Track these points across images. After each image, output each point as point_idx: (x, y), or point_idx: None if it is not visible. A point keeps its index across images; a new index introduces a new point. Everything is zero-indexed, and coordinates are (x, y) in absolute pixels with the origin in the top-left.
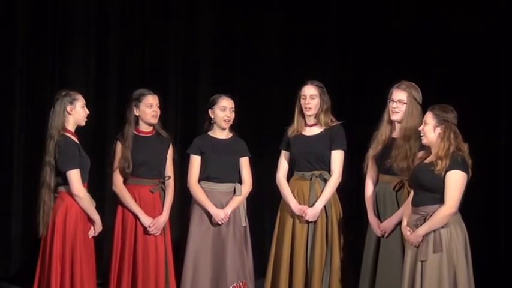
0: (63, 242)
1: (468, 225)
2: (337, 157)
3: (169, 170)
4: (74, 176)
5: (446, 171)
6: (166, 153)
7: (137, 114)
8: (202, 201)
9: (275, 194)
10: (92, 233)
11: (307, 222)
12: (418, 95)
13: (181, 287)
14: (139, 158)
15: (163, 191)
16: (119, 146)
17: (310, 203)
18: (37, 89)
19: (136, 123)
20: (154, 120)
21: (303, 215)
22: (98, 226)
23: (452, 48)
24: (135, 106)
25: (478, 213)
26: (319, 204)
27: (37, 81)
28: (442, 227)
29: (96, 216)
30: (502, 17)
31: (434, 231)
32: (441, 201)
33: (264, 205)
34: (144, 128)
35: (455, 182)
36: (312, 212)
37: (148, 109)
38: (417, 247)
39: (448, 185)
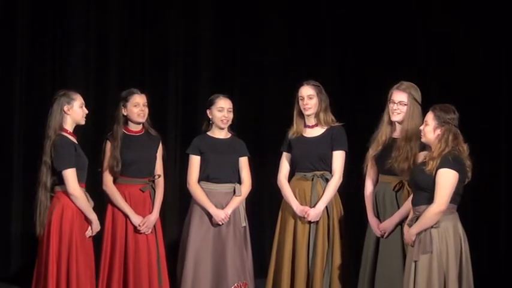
0: (59, 242)
1: (468, 226)
2: (338, 158)
3: (159, 168)
4: (70, 175)
5: (436, 170)
6: (156, 152)
7: (125, 113)
8: (202, 202)
9: (275, 195)
10: (90, 233)
11: (309, 222)
12: (418, 94)
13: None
14: (128, 157)
15: (154, 189)
16: (108, 146)
17: (312, 203)
18: (37, 89)
19: (126, 122)
20: (141, 119)
21: (305, 216)
22: (95, 226)
23: (452, 48)
24: (122, 106)
25: (478, 213)
26: (322, 205)
27: (37, 81)
28: (433, 227)
29: (93, 216)
30: (502, 17)
31: (425, 230)
32: (432, 200)
33: (264, 205)
34: (133, 127)
35: (445, 180)
36: (314, 213)
37: (135, 108)
38: (413, 246)
39: (437, 183)
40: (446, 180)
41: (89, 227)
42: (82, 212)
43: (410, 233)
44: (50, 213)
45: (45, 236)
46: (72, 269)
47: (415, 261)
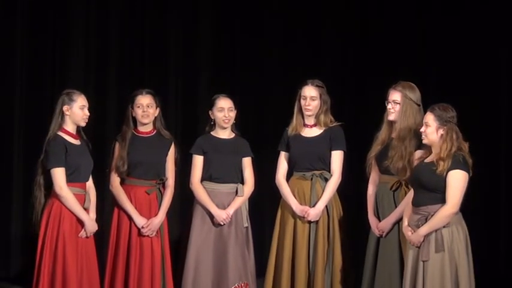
0: (43, 241)
1: (468, 225)
2: (337, 157)
3: (169, 171)
4: (57, 174)
5: (448, 171)
6: (166, 154)
7: (133, 114)
8: (205, 202)
9: (275, 195)
10: (84, 233)
11: (309, 222)
12: (414, 94)
13: None
14: (135, 158)
15: (161, 192)
16: (117, 146)
17: (312, 202)
18: (37, 89)
19: (136, 123)
20: (145, 120)
21: (305, 215)
22: (89, 226)
23: (452, 48)
24: (130, 107)
25: (478, 213)
26: (321, 204)
27: (37, 81)
28: (444, 227)
29: (84, 217)
30: (502, 16)
31: (435, 231)
32: (443, 200)
33: (264, 205)
34: (142, 128)
35: (457, 181)
36: (314, 212)
37: (139, 109)
38: (418, 247)
39: (449, 185)
40: (458, 182)
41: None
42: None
43: (418, 234)
44: (42, 212)
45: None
46: (57, 268)
47: (424, 261)
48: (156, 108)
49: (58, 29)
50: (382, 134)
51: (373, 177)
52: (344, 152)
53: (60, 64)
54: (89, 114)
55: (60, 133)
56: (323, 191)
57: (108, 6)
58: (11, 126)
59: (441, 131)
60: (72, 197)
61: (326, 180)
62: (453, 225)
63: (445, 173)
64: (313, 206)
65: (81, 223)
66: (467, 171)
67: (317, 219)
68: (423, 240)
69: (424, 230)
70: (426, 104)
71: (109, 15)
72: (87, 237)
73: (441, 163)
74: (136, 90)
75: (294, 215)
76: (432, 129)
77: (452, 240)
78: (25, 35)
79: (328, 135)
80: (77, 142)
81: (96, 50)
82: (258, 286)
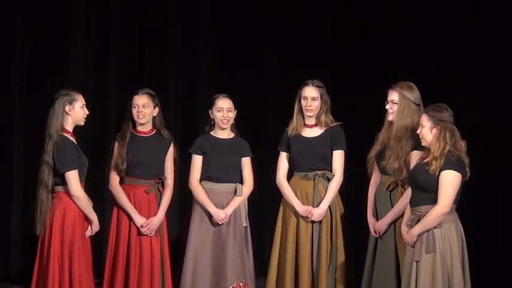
0: (61, 242)
1: (467, 226)
2: (338, 157)
3: (168, 170)
4: (73, 176)
5: (440, 171)
6: (165, 154)
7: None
8: (203, 201)
9: (275, 195)
10: (89, 232)
11: (312, 222)
12: (413, 94)
13: (180, 287)
14: (134, 157)
15: (160, 192)
16: (116, 145)
17: (315, 202)
18: (37, 89)
19: (135, 123)
20: (141, 121)
21: (309, 216)
22: (95, 226)
23: (452, 48)
24: (130, 107)
25: (478, 213)
26: (325, 204)
27: (37, 81)
28: (436, 227)
29: (94, 217)
30: (501, 16)
31: (427, 231)
32: (435, 201)
33: (264, 205)
34: (140, 127)
35: (449, 181)
36: (318, 212)
37: (134, 110)
38: (413, 247)
39: (441, 185)
40: (450, 182)
41: (89, 227)
42: (83, 212)
43: (412, 233)
44: (52, 213)
45: (46, 236)
46: (75, 269)
47: (417, 262)
48: (155, 108)
49: (58, 29)
50: (383, 134)
51: (375, 178)
52: (345, 151)
53: (60, 64)
54: (88, 112)
55: (66, 134)
56: (326, 190)
57: (108, 6)
58: (11, 126)
59: (435, 131)
60: (86, 198)
61: (328, 180)
62: (446, 225)
63: (437, 173)
64: (317, 206)
65: (87, 222)
66: (460, 171)
67: (321, 219)
68: (416, 240)
69: (416, 230)
70: (426, 104)
71: (109, 15)
72: (89, 236)
73: (434, 162)
74: (136, 90)
75: (296, 214)
76: (427, 130)
77: (445, 240)
78: (25, 35)
79: (329, 135)
80: (76, 142)
81: (96, 50)
82: (257, 286)
